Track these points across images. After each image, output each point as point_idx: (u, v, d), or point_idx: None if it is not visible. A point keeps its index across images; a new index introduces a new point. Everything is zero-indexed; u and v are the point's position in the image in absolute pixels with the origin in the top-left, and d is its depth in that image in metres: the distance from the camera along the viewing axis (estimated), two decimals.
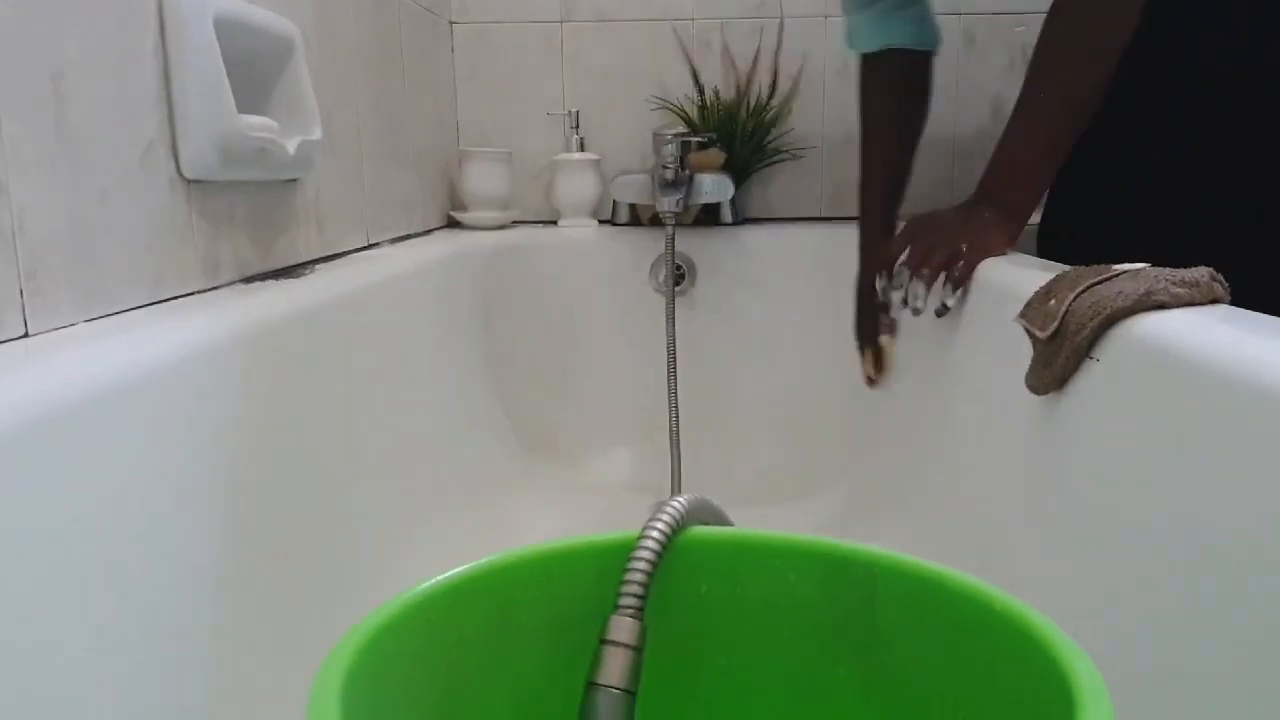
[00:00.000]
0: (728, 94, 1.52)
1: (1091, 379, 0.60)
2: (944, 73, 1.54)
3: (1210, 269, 0.59)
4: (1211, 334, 0.50)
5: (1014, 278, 0.79)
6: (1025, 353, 0.68)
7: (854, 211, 1.58)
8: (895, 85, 1.14)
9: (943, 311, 0.90)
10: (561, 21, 1.54)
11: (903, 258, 0.93)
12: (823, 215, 1.59)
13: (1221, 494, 0.46)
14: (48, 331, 0.55)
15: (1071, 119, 0.87)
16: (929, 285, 0.91)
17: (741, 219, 1.52)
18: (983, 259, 0.89)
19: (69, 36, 0.56)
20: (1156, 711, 0.47)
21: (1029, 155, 0.91)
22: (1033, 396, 0.68)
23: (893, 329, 1.13)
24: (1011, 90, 1.53)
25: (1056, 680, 0.31)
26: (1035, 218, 1.30)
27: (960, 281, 0.88)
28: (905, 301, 0.93)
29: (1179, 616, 0.48)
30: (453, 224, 1.49)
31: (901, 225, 1.05)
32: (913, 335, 1.09)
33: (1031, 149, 0.90)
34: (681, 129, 1.41)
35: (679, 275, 1.44)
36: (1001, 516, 0.76)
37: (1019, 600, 0.35)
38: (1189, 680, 0.47)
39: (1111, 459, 0.56)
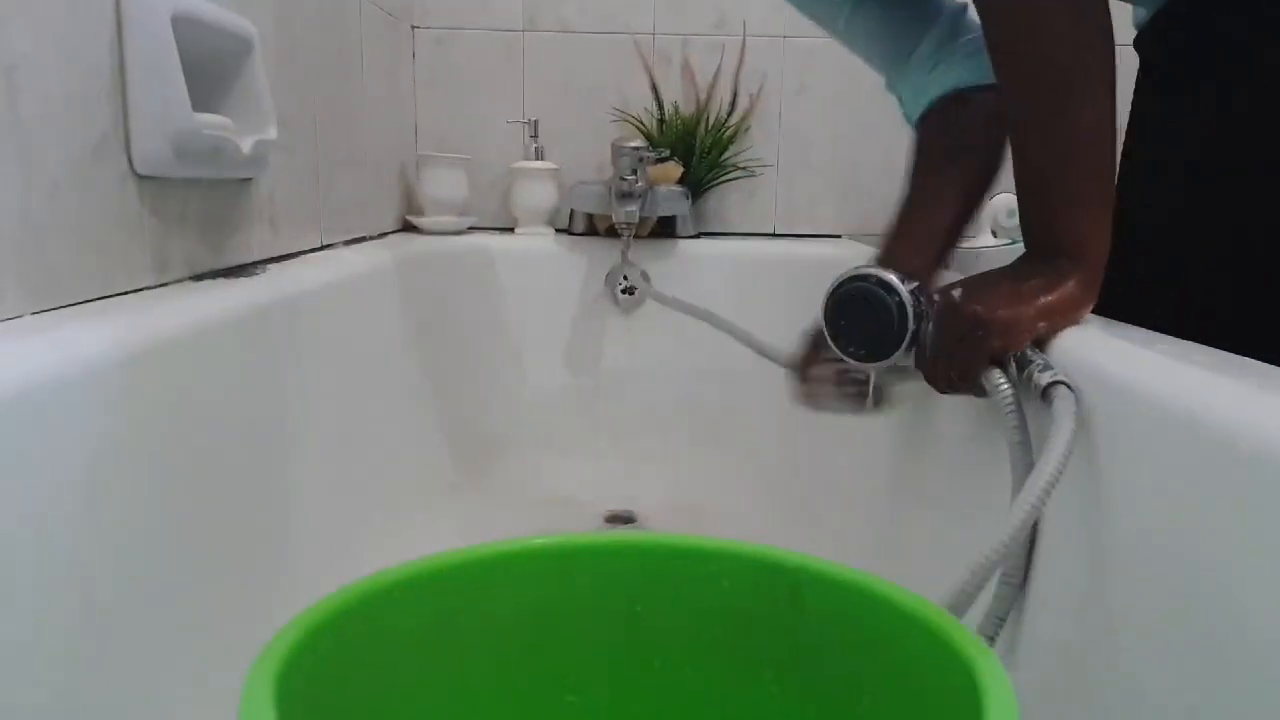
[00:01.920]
0: (687, 109, 1.54)
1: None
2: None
3: None
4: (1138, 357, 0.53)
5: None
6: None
7: (806, 228, 1.62)
8: (943, 141, 0.85)
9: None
10: (523, 30, 1.55)
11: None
12: (776, 232, 1.62)
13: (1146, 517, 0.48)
14: None
15: (1097, 86, 0.60)
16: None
17: (697, 232, 1.54)
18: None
19: (23, 29, 0.56)
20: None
21: (1064, 179, 0.62)
22: (968, 419, 0.70)
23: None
24: None
25: (965, 680, 0.32)
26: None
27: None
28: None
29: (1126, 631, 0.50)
30: (409, 228, 1.49)
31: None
32: None
33: (1062, 169, 0.62)
34: (640, 142, 1.42)
35: (634, 286, 1.46)
36: (932, 525, 0.79)
37: (934, 605, 0.36)
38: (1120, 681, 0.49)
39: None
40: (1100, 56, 0.60)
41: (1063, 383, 0.55)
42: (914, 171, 0.87)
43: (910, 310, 0.66)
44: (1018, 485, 0.58)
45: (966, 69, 0.83)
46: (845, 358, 0.71)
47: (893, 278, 0.67)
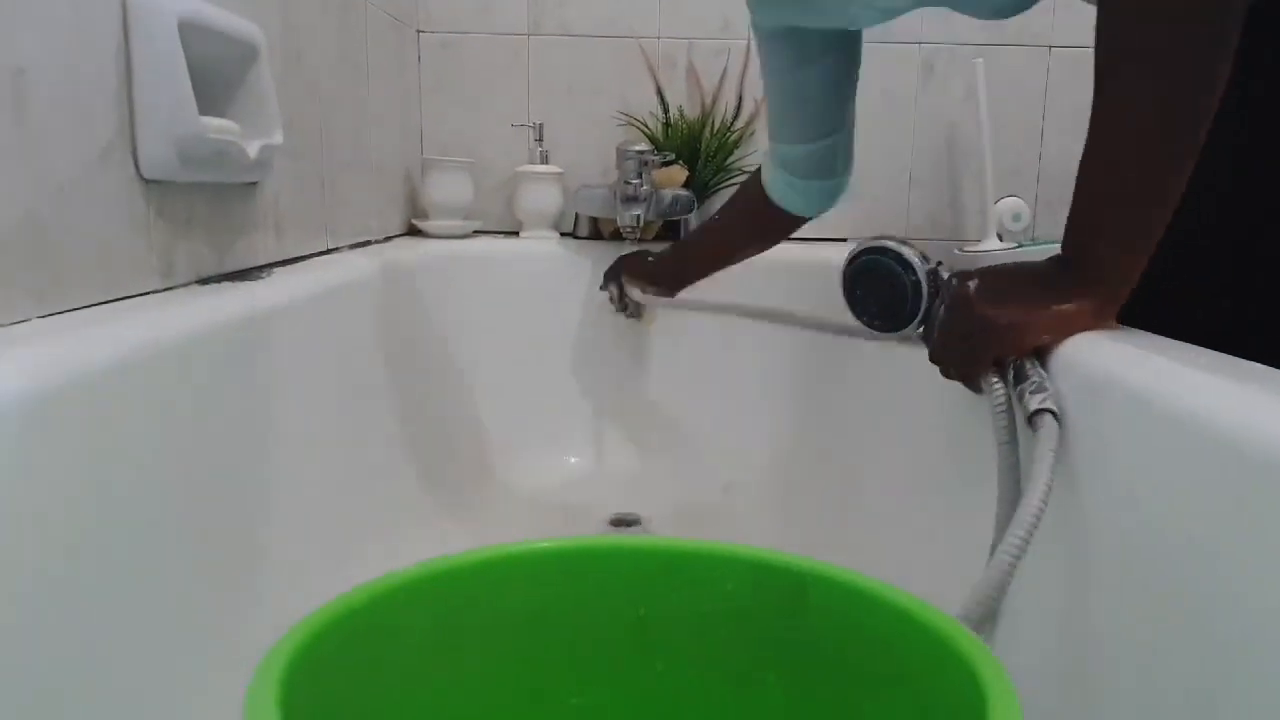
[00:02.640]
0: (692, 113, 1.54)
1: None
2: (902, 102, 1.59)
3: None
4: (1144, 362, 0.53)
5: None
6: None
7: (811, 233, 1.62)
8: (761, 222, 1.12)
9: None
10: (528, 34, 1.56)
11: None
12: None
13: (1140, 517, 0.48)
14: (1, 326, 0.55)
15: (1188, 135, 0.57)
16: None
17: None
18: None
19: (31, 34, 0.57)
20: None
21: (1126, 199, 0.59)
22: (974, 425, 0.70)
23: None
24: (967, 119, 1.58)
25: (969, 683, 0.33)
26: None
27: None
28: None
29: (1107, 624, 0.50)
30: (414, 232, 1.49)
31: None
32: (872, 360, 1.12)
33: (1129, 189, 0.59)
34: (645, 145, 1.42)
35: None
36: (945, 539, 0.78)
37: (937, 609, 0.36)
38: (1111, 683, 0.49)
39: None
40: (1206, 125, 0.57)
41: (1049, 411, 0.55)
42: (723, 211, 1.18)
43: (925, 290, 0.67)
44: (1003, 491, 0.59)
45: (791, 196, 1.05)
46: (860, 324, 0.74)
47: (911, 255, 0.68)
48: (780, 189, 1.05)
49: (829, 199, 1.07)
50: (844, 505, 1.11)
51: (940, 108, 1.59)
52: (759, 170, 1.09)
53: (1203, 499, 0.42)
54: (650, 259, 1.27)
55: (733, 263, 1.19)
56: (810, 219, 1.09)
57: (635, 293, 1.24)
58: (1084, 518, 0.53)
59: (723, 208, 1.19)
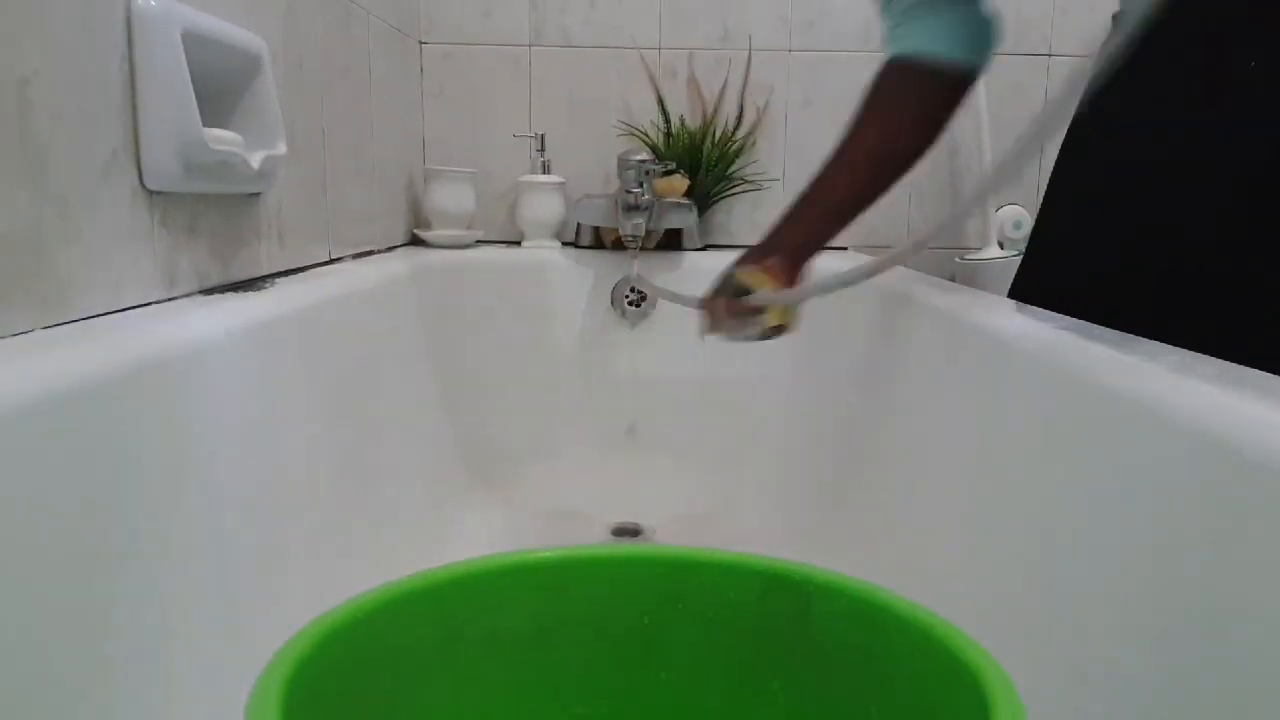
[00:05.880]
0: (694, 122, 1.55)
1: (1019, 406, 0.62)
2: None
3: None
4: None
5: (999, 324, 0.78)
6: (988, 392, 0.70)
7: None
8: (897, 103, 0.90)
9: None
10: (530, 45, 1.56)
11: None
12: None
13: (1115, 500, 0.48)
14: (4, 338, 0.55)
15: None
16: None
17: (703, 245, 1.54)
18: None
19: (36, 44, 0.57)
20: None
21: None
22: (976, 432, 0.70)
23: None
24: (968, 127, 1.58)
25: (973, 691, 0.32)
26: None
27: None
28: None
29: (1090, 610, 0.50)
30: (416, 241, 1.50)
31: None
32: (875, 370, 1.11)
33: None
34: (646, 155, 1.43)
35: (640, 299, 1.46)
36: (943, 542, 0.78)
37: (941, 617, 0.36)
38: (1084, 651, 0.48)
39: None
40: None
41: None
42: (850, 128, 0.95)
43: None
44: None
45: (928, 34, 0.86)
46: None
47: None
48: (913, 35, 0.86)
49: (981, 31, 0.86)
50: (847, 514, 1.11)
51: None
52: (875, 75, 0.91)
53: (1202, 502, 0.42)
54: (765, 240, 0.96)
55: (883, 190, 0.97)
56: (972, 66, 0.86)
57: (760, 291, 0.91)
58: (1085, 521, 0.53)
59: (847, 128, 0.94)
